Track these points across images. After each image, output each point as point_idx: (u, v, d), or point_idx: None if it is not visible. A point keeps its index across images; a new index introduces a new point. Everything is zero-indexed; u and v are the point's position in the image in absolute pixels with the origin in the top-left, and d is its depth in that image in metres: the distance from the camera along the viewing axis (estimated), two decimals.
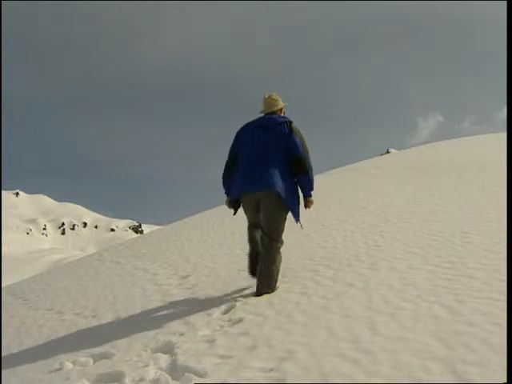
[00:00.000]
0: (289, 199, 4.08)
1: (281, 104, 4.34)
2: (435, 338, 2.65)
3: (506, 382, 2.12)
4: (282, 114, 4.34)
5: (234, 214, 4.42)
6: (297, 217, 4.19)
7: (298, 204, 4.20)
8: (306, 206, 4.27)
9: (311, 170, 4.14)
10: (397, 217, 6.36)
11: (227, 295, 4.19)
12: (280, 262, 4.14)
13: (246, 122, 4.37)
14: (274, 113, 4.29)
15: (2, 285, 9.15)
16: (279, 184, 4.02)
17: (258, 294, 4.01)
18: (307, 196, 4.20)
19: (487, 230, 4.92)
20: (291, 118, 4.25)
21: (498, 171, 8.59)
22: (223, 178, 4.32)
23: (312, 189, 4.19)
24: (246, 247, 4.28)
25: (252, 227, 4.29)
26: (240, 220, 8.29)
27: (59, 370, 3.27)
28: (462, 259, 4.03)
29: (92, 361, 3.30)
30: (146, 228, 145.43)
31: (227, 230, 7.94)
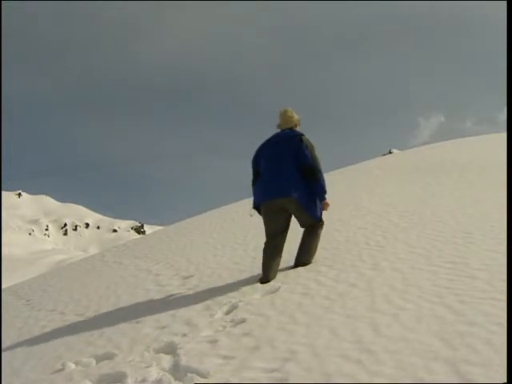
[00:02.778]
0: (306, 202, 4.57)
1: (296, 119, 4.86)
2: (438, 338, 2.65)
3: (506, 382, 2.12)
4: (298, 128, 4.87)
5: (260, 214, 4.83)
6: (317, 216, 4.67)
7: (316, 203, 4.65)
8: (323, 208, 4.77)
9: (321, 176, 4.61)
10: (399, 217, 6.35)
11: (229, 296, 4.19)
12: (319, 239, 4.76)
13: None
14: (290, 128, 4.81)
15: (5, 285, 9.17)
16: (294, 191, 4.50)
17: (297, 264, 4.64)
18: (322, 200, 4.67)
19: (490, 231, 4.91)
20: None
21: (500, 171, 8.57)
22: (252, 189, 4.85)
23: (325, 193, 4.66)
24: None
25: (269, 240, 4.62)
26: (242, 221, 8.28)
27: (62, 370, 3.29)
28: (464, 259, 4.02)
29: (94, 361, 3.31)
30: (148, 229, 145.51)
31: (229, 231, 7.94)
